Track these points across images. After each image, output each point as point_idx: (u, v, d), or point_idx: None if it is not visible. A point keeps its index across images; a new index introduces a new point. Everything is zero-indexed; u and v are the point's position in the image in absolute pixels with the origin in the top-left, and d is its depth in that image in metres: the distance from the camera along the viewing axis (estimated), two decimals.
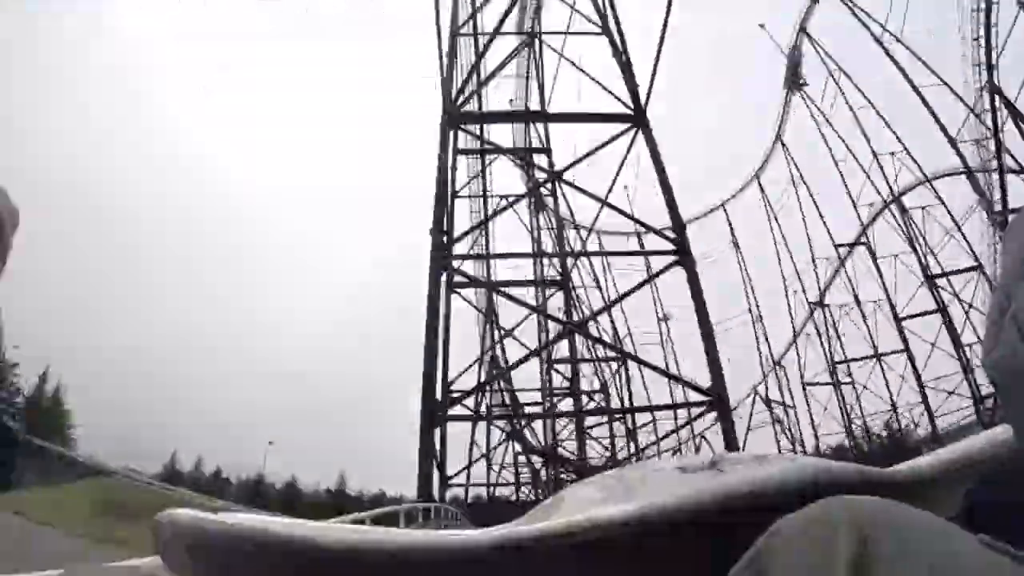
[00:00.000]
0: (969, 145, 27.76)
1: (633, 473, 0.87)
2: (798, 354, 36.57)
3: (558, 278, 29.24)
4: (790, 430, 36.94)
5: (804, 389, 35.04)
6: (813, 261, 37.24)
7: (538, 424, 31.33)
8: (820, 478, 0.67)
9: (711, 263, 32.94)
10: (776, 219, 38.94)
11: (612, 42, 20.58)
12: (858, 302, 35.84)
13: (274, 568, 0.62)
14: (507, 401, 34.65)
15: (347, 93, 75.62)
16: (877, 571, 0.37)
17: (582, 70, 21.45)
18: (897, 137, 32.07)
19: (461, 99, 20.64)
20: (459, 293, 20.64)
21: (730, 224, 40.79)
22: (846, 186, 35.32)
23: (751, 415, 35.61)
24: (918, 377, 31.45)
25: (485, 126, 23.30)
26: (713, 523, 0.63)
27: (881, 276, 35.24)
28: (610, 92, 19.04)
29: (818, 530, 0.42)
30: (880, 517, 0.41)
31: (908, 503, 0.42)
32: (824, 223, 37.41)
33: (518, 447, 34.18)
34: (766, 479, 0.67)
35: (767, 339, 38.12)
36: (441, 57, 20.85)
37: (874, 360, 34.30)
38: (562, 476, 29.43)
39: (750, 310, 39.54)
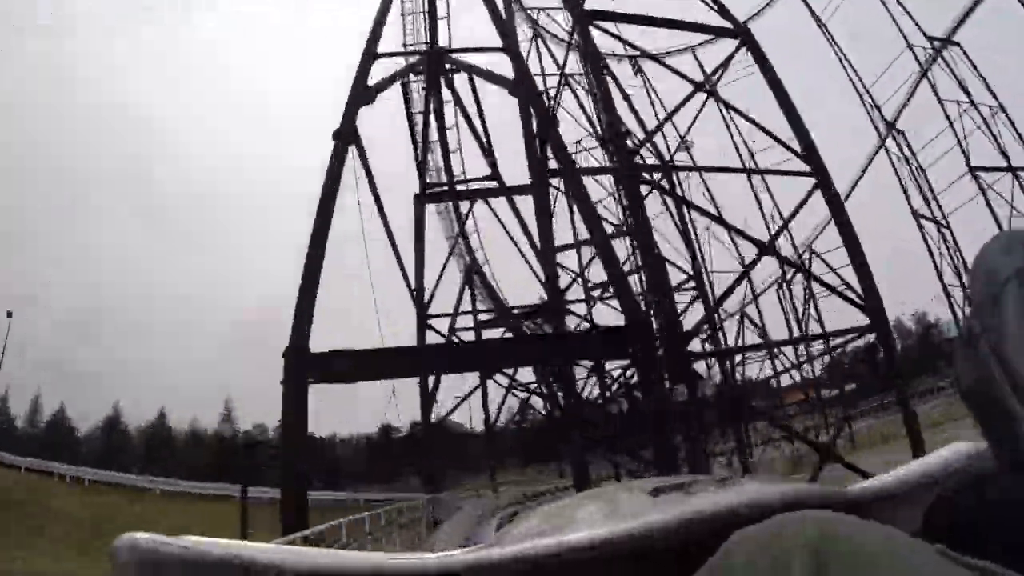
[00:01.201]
0: None
1: (607, 494, 0.85)
2: (898, 176, 26.00)
3: None
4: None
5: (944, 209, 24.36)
6: (909, 47, 25.84)
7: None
8: (785, 500, 0.70)
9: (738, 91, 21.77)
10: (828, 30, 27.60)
11: None
12: (972, 102, 25.05)
13: None
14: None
15: None
16: None
17: None
18: None
19: None
20: None
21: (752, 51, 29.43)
22: None
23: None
24: None
25: None
26: (679, 548, 0.64)
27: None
28: None
29: (773, 545, 0.41)
30: (835, 531, 0.41)
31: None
32: (908, 13, 26.29)
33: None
34: (732, 503, 0.68)
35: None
36: None
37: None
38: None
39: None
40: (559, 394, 21.68)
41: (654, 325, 14.62)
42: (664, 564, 0.63)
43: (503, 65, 17.12)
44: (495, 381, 26.21)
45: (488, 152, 21.53)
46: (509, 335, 22.67)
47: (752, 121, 16.81)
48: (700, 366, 15.78)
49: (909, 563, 0.38)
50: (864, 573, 0.37)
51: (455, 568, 0.67)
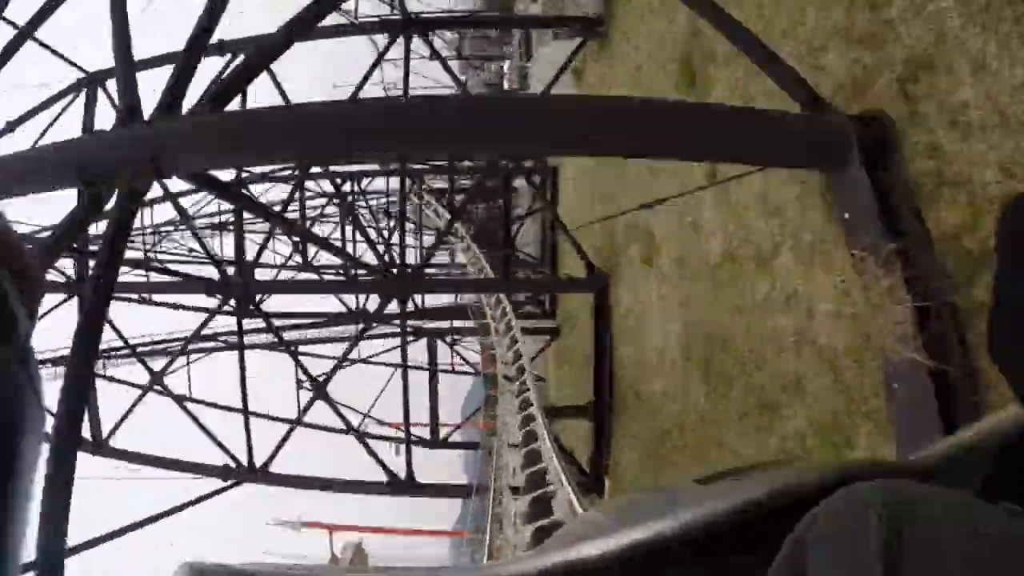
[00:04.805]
0: None
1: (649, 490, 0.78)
2: None
3: None
4: None
5: None
6: None
7: None
8: (844, 474, 0.63)
9: None
10: None
11: None
12: None
13: None
14: None
15: None
16: (909, 551, 0.38)
17: None
18: None
19: None
20: None
21: None
22: None
23: None
24: None
25: None
26: (740, 534, 0.60)
27: None
28: None
29: (850, 516, 0.43)
30: (906, 496, 0.43)
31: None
32: None
33: None
34: (797, 480, 0.63)
35: None
36: None
37: None
38: None
39: None
40: None
41: None
42: (728, 551, 0.62)
43: None
44: None
45: None
46: None
47: None
48: None
49: (980, 518, 0.40)
50: (939, 538, 0.38)
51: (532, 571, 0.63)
